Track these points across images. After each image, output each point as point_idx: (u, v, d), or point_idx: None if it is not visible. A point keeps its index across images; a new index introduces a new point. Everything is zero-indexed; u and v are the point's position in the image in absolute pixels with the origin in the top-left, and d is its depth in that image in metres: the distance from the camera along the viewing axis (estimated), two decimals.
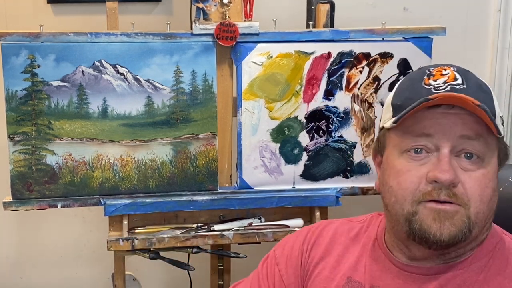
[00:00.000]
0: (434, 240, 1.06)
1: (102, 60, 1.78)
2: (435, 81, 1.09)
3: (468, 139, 1.06)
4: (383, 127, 1.16)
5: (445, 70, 1.11)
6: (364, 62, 1.87)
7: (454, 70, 1.11)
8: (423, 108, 1.07)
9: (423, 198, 1.06)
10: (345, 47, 1.86)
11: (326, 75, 1.87)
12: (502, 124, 1.12)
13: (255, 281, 1.30)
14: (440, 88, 1.08)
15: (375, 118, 1.90)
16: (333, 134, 1.89)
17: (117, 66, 1.78)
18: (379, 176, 1.18)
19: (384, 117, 1.17)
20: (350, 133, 1.90)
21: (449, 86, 1.08)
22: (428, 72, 1.12)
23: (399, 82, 1.19)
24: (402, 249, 1.15)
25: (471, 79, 1.11)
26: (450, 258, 1.12)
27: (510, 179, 1.38)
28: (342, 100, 1.88)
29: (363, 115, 1.90)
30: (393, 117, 1.12)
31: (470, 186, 1.06)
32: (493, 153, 1.09)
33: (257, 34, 1.83)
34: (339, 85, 1.88)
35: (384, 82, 1.89)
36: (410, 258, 1.14)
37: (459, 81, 1.09)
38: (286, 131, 1.88)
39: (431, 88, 1.08)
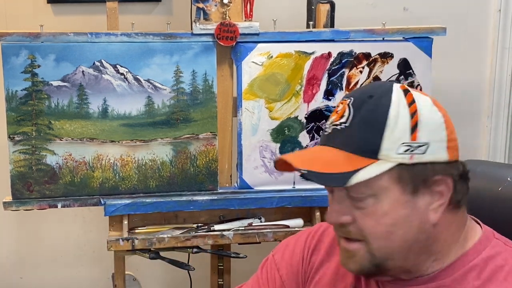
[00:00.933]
0: (352, 272, 1.13)
1: (102, 60, 1.78)
2: (330, 119, 1.10)
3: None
4: None
5: (342, 104, 1.09)
6: (364, 62, 1.87)
7: (350, 102, 1.08)
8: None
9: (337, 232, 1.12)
10: (345, 47, 1.86)
11: (326, 75, 1.87)
12: (409, 150, 1.05)
13: (255, 286, 1.29)
14: (326, 130, 1.09)
15: None
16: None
17: (117, 66, 1.78)
18: None
19: None
20: None
21: (332, 128, 1.08)
22: (337, 106, 1.12)
23: None
24: None
25: (362, 112, 1.06)
26: (415, 273, 1.11)
27: (509, 178, 1.37)
28: None
29: None
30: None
31: (362, 224, 1.06)
32: (384, 188, 1.05)
33: (257, 34, 1.83)
34: (339, 85, 1.88)
35: None
36: None
37: (344, 118, 1.07)
38: (286, 131, 1.88)
39: (326, 129, 1.10)
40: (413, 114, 1.06)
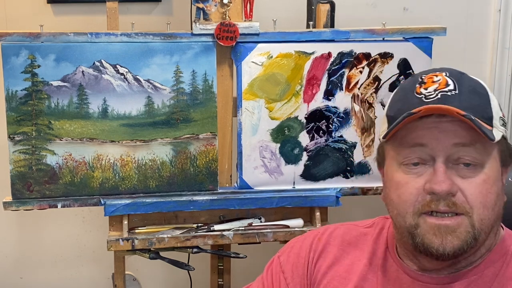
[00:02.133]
0: (438, 254, 1.06)
1: (102, 60, 1.78)
2: (426, 89, 1.08)
3: (463, 146, 1.05)
4: (380, 139, 1.16)
5: (437, 76, 1.10)
6: (364, 62, 1.87)
7: (446, 75, 1.10)
8: (415, 118, 1.06)
9: (423, 210, 1.06)
10: (345, 47, 1.86)
11: (326, 75, 1.87)
12: (503, 124, 1.11)
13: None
14: (431, 96, 1.07)
15: (375, 118, 1.90)
16: (333, 134, 1.89)
17: (117, 66, 1.78)
18: (383, 187, 1.18)
19: (381, 128, 1.17)
20: (350, 133, 1.90)
21: (440, 94, 1.07)
22: (420, 80, 1.11)
23: (393, 92, 1.18)
24: (412, 259, 1.15)
25: (464, 82, 1.09)
26: (461, 266, 1.11)
27: (510, 178, 1.38)
28: (342, 100, 1.88)
29: (363, 115, 1.90)
30: (388, 128, 1.12)
31: (471, 193, 1.05)
32: (493, 157, 1.08)
33: (257, 34, 1.83)
34: (339, 85, 1.88)
35: (385, 82, 1.89)
36: (421, 268, 1.14)
37: (451, 86, 1.08)
38: (286, 131, 1.88)
39: (422, 97, 1.08)
40: (493, 95, 1.12)
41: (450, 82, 1.09)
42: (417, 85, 1.10)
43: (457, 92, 1.07)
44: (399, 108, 1.10)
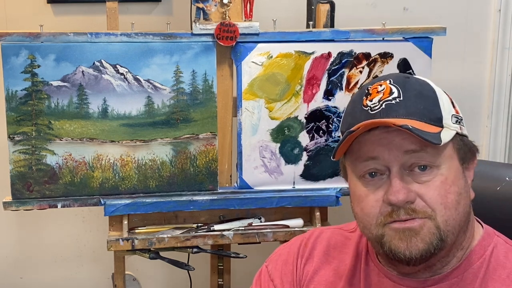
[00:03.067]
0: (406, 259, 1.06)
1: (102, 60, 1.78)
2: (371, 100, 1.08)
3: (414, 152, 1.05)
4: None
5: (381, 85, 1.09)
6: (364, 62, 1.87)
7: (390, 83, 1.09)
8: (363, 132, 1.07)
9: (386, 221, 1.06)
10: (345, 47, 1.86)
11: (326, 75, 1.87)
12: (458, 121, 1.10)
13: None
14: (375, 108, 1.07)
15: None
16: (333, 134, 1.89)
17: (117, 66, 1.78)
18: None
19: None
20: None
21: (384, 104, 1.07)
22: (366, 92, 1.11)
23: (346, 106, 1.18)
24: (390, 266, 1.15)
25: (409, 87, 1.09)
26: (439, 269, 1.11)
27: (507, 178, 1.38)
28: (342, 100, 1.88)
29: None
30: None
31: (430, 197, 1.05)
32: (447, 156, 1.07)
33: (257, 34, 1.83)
34: (339, 85, 1.88)
35: None
36: (400, 273, 1.14)
37: (395, 94, 1.07)
38: (286, 131, 1.88)
39: (368, 110, 1.08)
40: (445, 92, 1.12)
41: (394, 89, 1.08)
42: (364, 97, 1.10)
43: (401, 99, 1.07)
44: (348, 123, 1.11)
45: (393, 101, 1.07)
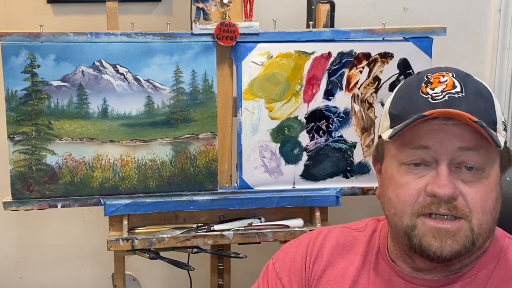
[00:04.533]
0: (435, 256, 1.05)
1: (102, 60, 1.77)
2: (433, 89, 1.07)
3: (467, 150, 1.04)
4: (380, 135, 1.14)
5: (443, 76, 1.08)
6: (364, 62, 1.87)
7: (452, 76, 1.08)
8: (423, 120, 1.05)
9: (422, 211, 1.05)
10: (345, 47, 1.86)
11: (326, 75, 1.87)
12: (505, 129, 1.10)
13: None
14: (438, 97, 1.05)
15: (375, 118, 1.90)
16: (333, 134, 1.89)
17: (117, 66, 1.78)
18: (379, 185, 1.16)
19: (382, 125, 1.14)
20: (350, 133, 1.90)
21: (447, 95, 1.05)
22: (426, 79, 1.09)
23: (396, 88, 1.16)
24: (406, 260, 1.14)
25: (470, 85, 1.08)
26: (456, 269, 1.11)
27: (508, 178, 1.37)
28: (342, 100, 1.88)
29: (363, 115, 1.90)
30: (390, 127, 1.10)
31: (472, 198, 1.04)
32: (494, 162, 1.07)
33: (257, 34, 1.83)
34: (339, 85, 1.88)
35: (385, 82, 1.89)
36: (415, 269, 1.13)
37: (458, 88, 1.06)
38: (286, 131, 1.88)
39: (428, 98, 1.06)
40: (496, 99, 1.11)
41: (457, 83, 1.07)
42: (423, 84, 1.08)
43: (463, 94, 1.06)
44: (403, 107, 1.09)
45: (456, 95, 1.05)
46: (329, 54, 1.86)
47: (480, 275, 1.10)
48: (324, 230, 1.28)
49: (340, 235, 1.25)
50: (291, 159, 1.90)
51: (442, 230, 1.04)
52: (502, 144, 1.05)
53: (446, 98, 1.05)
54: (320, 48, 1.85)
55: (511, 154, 1.12)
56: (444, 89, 1.06)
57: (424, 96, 1.07)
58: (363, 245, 1.22)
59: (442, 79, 1.08)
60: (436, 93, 1.06)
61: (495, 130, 1.06)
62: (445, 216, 1.04)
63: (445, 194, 1.03)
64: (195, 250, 1.88)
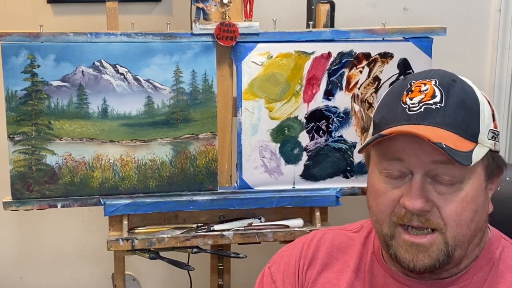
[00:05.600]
0: (409, 269, 1.06)
1: (102, 60, 1.77)
2: (411, 99, 1.06)
3: (441, 164, 1.03)
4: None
5: (425, 84, 1.07)
6: (364, 62, 1.87)
7: (435, 84, 1.06)
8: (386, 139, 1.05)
9: (398, 221, 1.06)
10: (345, 47, 1.86)
11: (326, 75, 1.87)
12: (494, 137, 1.08)
13: None
14: (414, 108, 1.04)
15: None
16: (333, 134, 1.89)
17: (117, 66, 1.78)
18: (366, 190, 1.17)
19: (369, 130, 1.15)
20: (350, 133, 1.90)
21: (423, 107, 1.04)
22: (409, 87, 1.08)
23: (384, 93, 1.16)
24: (395, 264, 1.14)
25: (453, 94, 1.06)
26: (445, 277, 1.11)
27: (508, 178, 1.37)
28: (342, 100, 1.88)
29: (363, 115, 1.90)
30: (372, 134, 1.11)
31: (446, 211, 1.03)
32: (474, 172, 1.05)
33: (257, 34, 1.83)
34: (339, 85, 1.88)
35: (385, 82, 1.89)
36: (405, 273, 1.13)
37: (437, 98, 1.05)
38: (286, 131, 1.88)
39: (406, 108, 1.05)
40: (489, 103, 1.10)
41: (437, 93, 1.05)
42: (405, 92, 1.07)
43: (442, 105, 1.04)
44: (383, 116, 1.09)
45: (433, 106, 1.04)
46: (329, 54, 1.86)
47: (476, 279, 1.10)
48: (319, 233, 1.28)
49: (335, 237, 1.25)
50: (291, 159, 1.90)
51: (414, 245, 1.05)
52: (477, 159, 1.03)
53: (422, 109, 1.04)
54: (320, 48, 1.85)
55: (498, 159, 1.10)
56: (422, 99, 1.05)
57: (403, 106, 1.06)
58: (358, 247, 1.22)
59: (423, 88, 1.06)
60: (414, 103, 1.05)
61: (475, 141, 1.04)
62: (419, 230, 1.05)
63: (415, 208, 1.03)
64: (195, 250, 1.88)
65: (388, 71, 1.88)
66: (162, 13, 2.20)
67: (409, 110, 1.05)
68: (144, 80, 1.80)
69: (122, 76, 1.78)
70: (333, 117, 1.89)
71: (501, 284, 1.09)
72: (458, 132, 1.03)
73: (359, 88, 1.88)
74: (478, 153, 1.04)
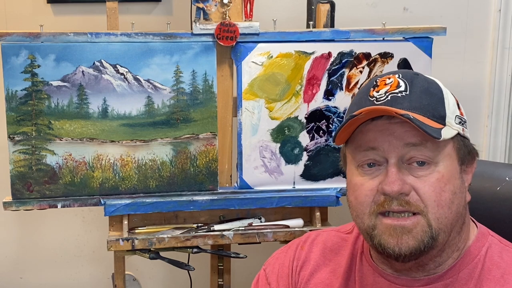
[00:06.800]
0: (395, 255, 1.07)
1: (102, 60, 1.78)
2: (378, 92, 1.10)
3: (414, 146, 1.06)
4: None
5: (389, 78, 1.11)
6: (365, 62, 1.87)
7: (398, 77, 1.11)
8: (366, 121, 1.08)
9: (378, 210, 1.07)
10: (345, 47, 1.86)
11: (326, 75, 1.87)
12: (461, 123, 1.11)
13: None
14: (381, 98, 1.08)
15: None
16: (333, 134, 1.89)
17: (117, 66, 1.78)
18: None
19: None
20: None
21: (390, 96, 1.08)
22: (375, 83, 1.12)
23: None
24: (383, 262, 1.15)
25: (417, 83, 1.10)
26: (432, 268, 1.12)
27: (507, 178, 1.38)
28: (342, 100, 1.88)
29: None
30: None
31: (424, 192, 1.05)
32: (447, 154, 1.08)
33: (257, 34, 1.83)
34: (339, 85, 1.88)
35: None
36: (394, 270, 1.14)
37: (402, 88, 1.09)
38: (286, 131, 1.88)
39: (374, 100, 1.09)
40: (452, 94, 1.14)
41: (401, 83, 1.10)
42: (371, 88, 1.11)
43: (407, 93, 1.08)
44: (352, 111, 1.11)
45: (399, 94, 1.08)
46: (329, 54, 1.86)
47: (462, 275, 1.11)
48: (312, 234, 1.30)
49: (328, 238, 1.27)
50: (291, 159, 1.90)
51: (397, 227, 1.06)
52: (446, 136, 1.06)
53: (389, 98, 1.08)
54: (320, 48, 1.85)
55: (469, 145, 1.13)
56: (388, 90, 1.09)
57: (371, 99, 1.10)
58: (349, 248, 1.23)
59: (387, 81, 1.11)
60: (380, 94, 1.09)
61: (443, 124, 1.07)
62: (402, 214, 1.06)
63: (393, 191, 1.05)
64: (195, 250, 1.88)
65: (388, 71, 1.88)
66: (162, 13, 2.20)
67: (377, 101, 1.09)
68: (144, 80, 1.80)
69: (122, 76, 1.79)
70: (333, 117, 1.89)
71: (488, 280, 1.10)
72: (425, 115, 1.07)
73: (359, 88, 1.88)
74: (447, 133, 1.07)
